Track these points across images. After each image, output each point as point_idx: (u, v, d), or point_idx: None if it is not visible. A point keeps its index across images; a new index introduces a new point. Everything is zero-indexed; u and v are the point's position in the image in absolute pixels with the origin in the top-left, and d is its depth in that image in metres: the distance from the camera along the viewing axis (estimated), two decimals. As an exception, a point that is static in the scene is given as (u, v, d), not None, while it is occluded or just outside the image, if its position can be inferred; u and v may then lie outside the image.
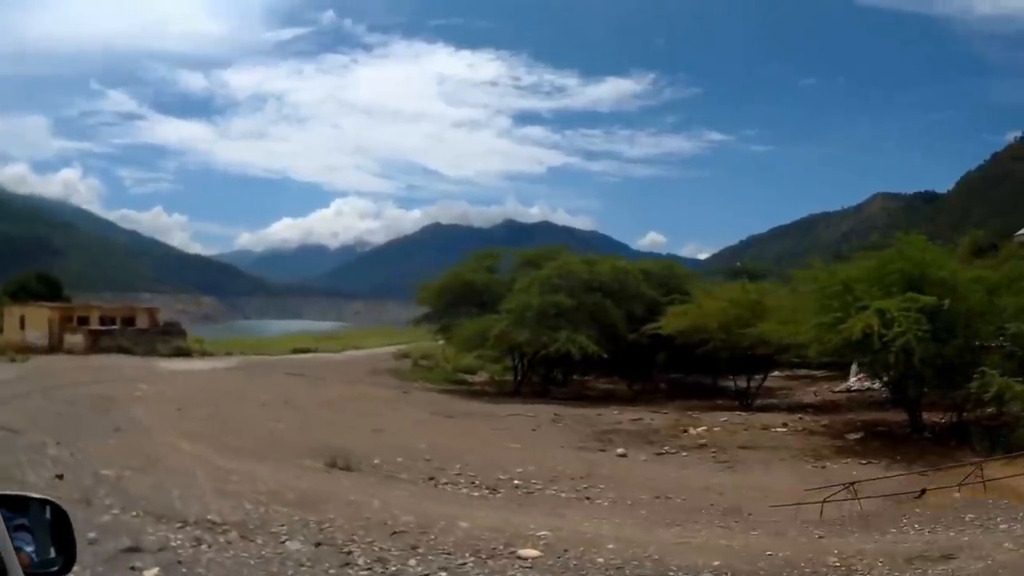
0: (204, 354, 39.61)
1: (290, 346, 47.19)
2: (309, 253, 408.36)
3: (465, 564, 7.41)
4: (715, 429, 18.77)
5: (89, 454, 12.40)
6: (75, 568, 2.09)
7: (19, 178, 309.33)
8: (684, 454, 15.93)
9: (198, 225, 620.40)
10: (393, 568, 7.29)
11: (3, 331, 40.23)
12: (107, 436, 14.53)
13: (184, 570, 6.90)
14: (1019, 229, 40.82)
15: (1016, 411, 15.29)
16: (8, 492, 2.10)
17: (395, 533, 8.31)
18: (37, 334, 38.15)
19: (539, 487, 12.09)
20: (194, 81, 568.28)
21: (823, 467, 14.38)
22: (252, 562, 7.18)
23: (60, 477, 10.38)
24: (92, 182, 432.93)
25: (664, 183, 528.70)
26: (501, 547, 7.88)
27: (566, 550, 7.84)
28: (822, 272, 19.54)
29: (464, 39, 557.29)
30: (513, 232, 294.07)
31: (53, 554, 2.06)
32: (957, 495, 10.66)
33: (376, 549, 7.77)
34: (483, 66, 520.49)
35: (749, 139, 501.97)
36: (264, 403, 21.25)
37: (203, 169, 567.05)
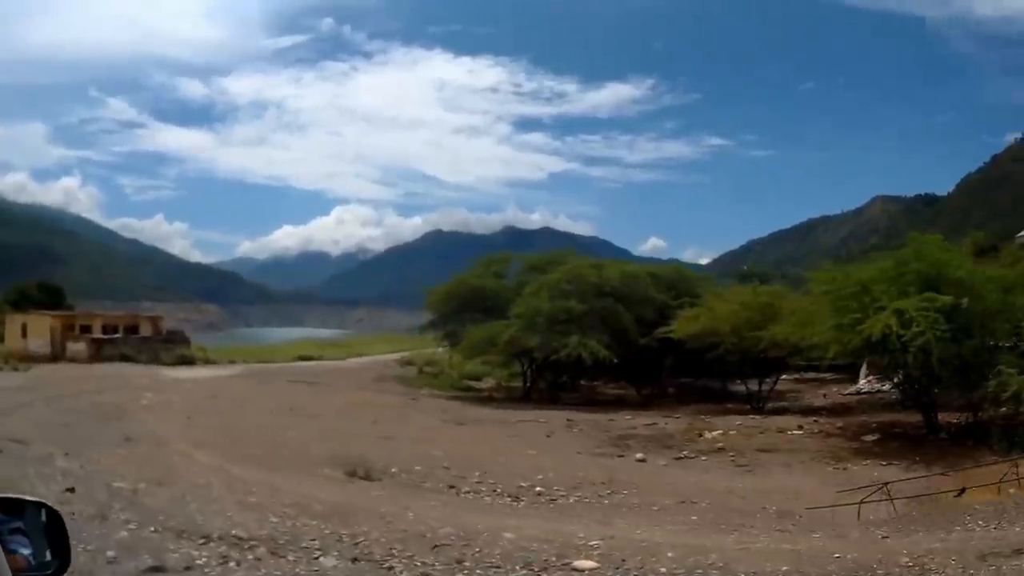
0: (208, 362, 39.35)
1: (294, 354, 47.01)
2: (310, 261, 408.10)
3: (518, 578, 7.07)
4: (731, 433, 18.65)
5: (100, 466, 11.99)
6: None
7: (19, 186, 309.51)
8: (703, 458, 15.78)
9: (199, 233, 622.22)
10: (440, 584, 6.91)
11: (5, 340, 39.94)
12: (116, 446, 14.16)
13: (213, 591, 6.49)
14: (1019, 231, 40.77)
15: None
16: (3, 495, 2.09)
17: (436, 546, 7.90)
18: (39, 343, 37.85)
19: (562, 494, 11.86)
20: (194, 89, 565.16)
21: (844, 469, 14.28)
22: (287, 581, 6.79)
23: (71, 490, 9.76)
24: (92, 190, 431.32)
25: (664, 188, 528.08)
26: (553, 558, 7.47)
27: (624, 560, 7.48)
28: (839, 273, 19.37)
29: (464, 45, 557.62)
30: (514, 238, 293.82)
31: (49, 557, 2.08)
32: (999, 493, 10.47)
33: (418, 564, 7.34)
34: (483, 72, 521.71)
35: (748, 144, 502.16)
36: (273, 411, 21.02)
37: (204, 177, 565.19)
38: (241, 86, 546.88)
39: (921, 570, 7.17)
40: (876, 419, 20.06)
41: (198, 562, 7.07)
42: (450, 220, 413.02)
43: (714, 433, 18.68)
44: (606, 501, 11.52)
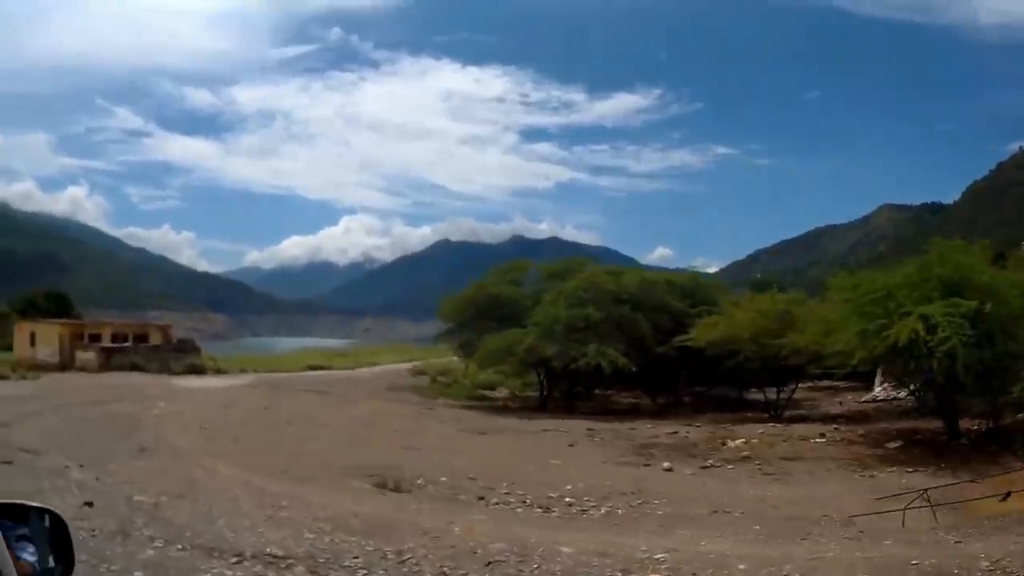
0: (218, 371, 39.06)
1: (303, 363, 46.69)
2: (318, 270, 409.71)
3: (584, 596, 6.67)
4: (754, 441, 18.40)
5: (116, 478, 11.62)
6: None
7: (26, 195, 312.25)
8: (729, 467, 15.51)
9: (206, 242, 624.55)
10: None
11: (13, 348, 39.81)
12: (132, 457, 13.87)
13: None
14: (1025, 238, 40.49)
15: None
16: (7, 501, 2.09)
17: (490, 563, 7.47)
18: (48, 351, 37.61)
19: (592, 504, 11.53)
20: (201, 98, 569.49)
21: (871, 476, 14.08)
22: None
23: (89, 504, 9.33)
24: (99, 199, 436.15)
25: (671, 197, 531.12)
26: (619, 574, 7.12)
27: (695, 574, 7.18)
28: (863, 279, 19.16)
29: (471, 55, 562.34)
30: (521, 248, 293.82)
31: (52, 563, 2.10)
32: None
33: (474, 584, 7.01)
34: (490, 82, 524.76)
35: (755, 152, 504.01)
36: (289, 421, 20.78)
37: (211, 186, 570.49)
38: (248, 95, 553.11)
39: (1003, 574, 6.95)
40: (896, 426, 19.81)
41: (233, 583, 6.56)
42: (458, 230, 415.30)
43: (737, 441, 18.40)
44: (651, 512, 11.15)
